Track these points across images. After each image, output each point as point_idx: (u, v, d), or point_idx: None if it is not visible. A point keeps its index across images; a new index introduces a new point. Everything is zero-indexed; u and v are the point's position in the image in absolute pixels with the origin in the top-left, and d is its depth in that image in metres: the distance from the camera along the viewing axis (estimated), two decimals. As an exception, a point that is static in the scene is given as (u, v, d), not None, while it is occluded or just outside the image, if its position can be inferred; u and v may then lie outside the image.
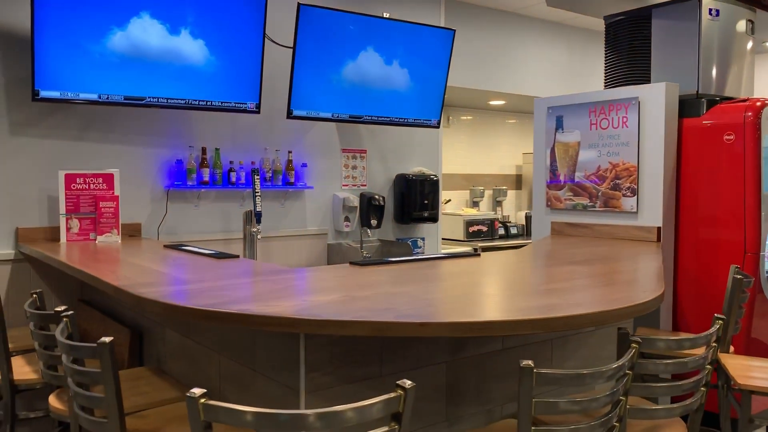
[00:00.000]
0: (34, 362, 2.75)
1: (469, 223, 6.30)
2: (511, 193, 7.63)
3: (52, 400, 2.31)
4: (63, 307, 2.04)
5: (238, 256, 2.78)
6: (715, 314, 2.07)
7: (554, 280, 2.22)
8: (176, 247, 3.16)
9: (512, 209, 7.64)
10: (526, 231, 6.98)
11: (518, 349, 2.28)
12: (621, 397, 1.71)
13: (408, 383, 1.34)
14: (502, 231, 6.66)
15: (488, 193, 7.30)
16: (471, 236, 6.28)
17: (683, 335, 1.98)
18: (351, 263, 2.56)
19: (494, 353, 2.22)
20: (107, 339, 1.70)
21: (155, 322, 2.68)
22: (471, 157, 7.20)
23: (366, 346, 1.91)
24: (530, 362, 1.50)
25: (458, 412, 2.14)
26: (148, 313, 2.71)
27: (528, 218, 7.03)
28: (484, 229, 6.41)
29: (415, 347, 2.03)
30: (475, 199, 7.07)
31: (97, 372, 1.73)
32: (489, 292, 2.04)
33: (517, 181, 7.74)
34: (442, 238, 5.63)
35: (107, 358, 1.70)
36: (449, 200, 6.78)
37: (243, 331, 2.02)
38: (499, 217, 6.92)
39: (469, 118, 7.12)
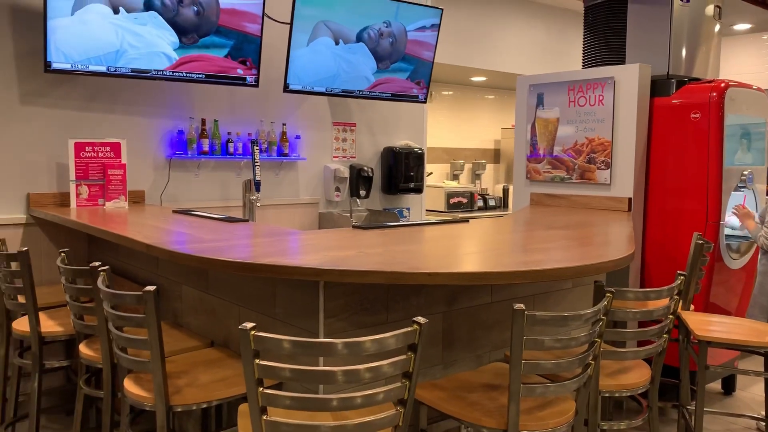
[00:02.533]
0: (55, 317, 2.97)
1: (450, 195, 6.59)
2: (490, 167, 7.92)
3: (83, 348, 2.54)
4: (98, 263, 2.26)
5: (247, 220, 3.01)
6: (678, 271, 2.37)
7: (538, 241, 2.50)
8: (185, 212, 3.37)
9: (490, 182, 7.94)
10: (503, 203, 7.30)
11: (505, 303, 2.56)
12: (596, 339, 2.00)
13: (422, 320, 1.60)
14: (480, 203, 6.96)
15: (468, 166, 7.59)
16: (451, 207, 6.58)
17: (648, 289, 2.28)
18: (354, 226, 2.81)
19: (483, 306, 2.50)
20: (151, 288, 1.93)
21: (171, 281, 2.90)
22: (452, 132, 7.45)
23: (375, 296, 2.17)
24: (522, 305, 1.77)
25: (452, 357, 2.42)
26: (179, 268, 2.94)
27: (505, 191, 7.35)
28: (464, 201, 6.71)
29: (416, 298, 2.29)
30: (455, 173, 7.35)
31: (141, 317, 1.96)
32: (482, 250, 2.31)
33: (496, 155, 8.03)
34: (426, 209, 5.90)
35: (151, 304, 1.93)
36: (431, 173, 7.04)
37: (264, 283, 2.27)
38: (478, 189, 7.22)
39: (450, 93, 7.36)
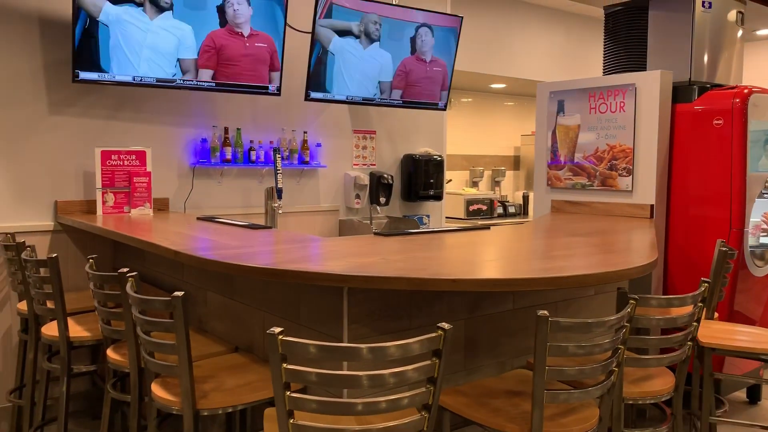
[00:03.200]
0: (82, 322, 3.02)
1: (470, 202, 6.59)
2: (509, 174, 7.91)
3: (110, 353, 2.58)
4: (126, 269, 2.31)
5: (271, 227, 3.04)
6: (702, 278, 2.36)
7: (560, 248, 2.50)
8: (209, 219, 3.42)
9: (510, 189, 7.92)
10: (523, 210, 7.28)
11: (527, 310, 2.56)
12: (619, 346, 2.00)
13: (447, 325, 1.62)
14: (500, 210, 6.95)
15: (487, 173, 7.58)
16: (471, 215, 6.57)
17: (672, 296, 2.27)
18: (375, 233, 2.83)
19: (506, 312, 2.51)
20: (179, 293, 1.97)
21: (196, 286, 2.95)
22: (471, 139, 7.46)
23: (398, 302, 2.19)
24: (546, 312, 1.78)
25: (475, 363, 2.43)
26: (204, 274, 2.98)
27: (525, 198, 7.33)
28: (484, 208, 6.70)
29: (438, 305, 2.31)
30: (474, 179, 7.35)
31: (170, 322, 2.00)
32: (504, 256, 2.32)
33: (515, 162, 8.01)
34: (445, 216, 5.91)
35: (180, 310, 1.96)
36: (450, 180, 7.04)
37: (289, 289, 2.30)
38: (498, 196, 7.21)
39: (469, 100, 7.37)
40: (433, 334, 1.61)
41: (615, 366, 2.00)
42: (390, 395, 1.58)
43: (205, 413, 2.08)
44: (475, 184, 7.34)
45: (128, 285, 2.20)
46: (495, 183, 7.60)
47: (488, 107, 7.59)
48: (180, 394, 2.07)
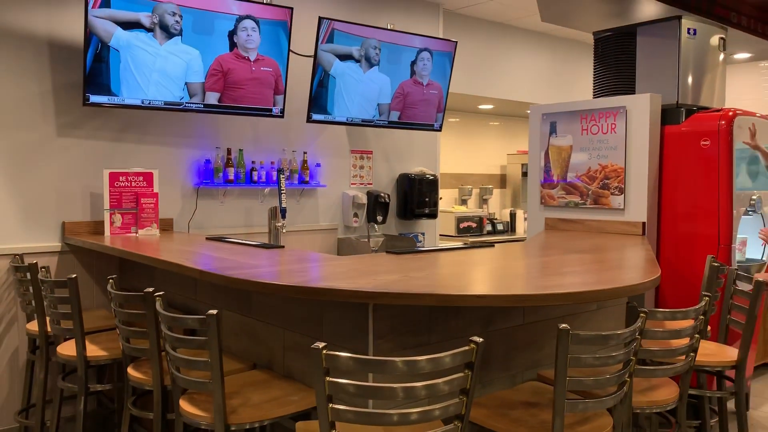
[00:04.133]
0: (96, 342, 3.06)
1: (460, 220, 6.72)
2: (496, 192, 8.07)
3: (131, 371, 2.63)
4: (152, 289, 2.37)
5: (282, 246, 3.12)
6: (703, 292, 2.50)
7: (568, 265, 2.62)
8: (218, 239, 3.48)
9: (497, 207, 8.08)
10: (510, 227, 7.44)
11: (538, 324, 2.67)
12: (631, 357, 2.11)
13: (479, 339, 1.72)
14: (489, 227, 7.10)
15: (475, 191, 7.73)
16: (462, 232, 6.70)
17: (675, 309, 2.40)
18: (387, 252, 2.93)
19: (517, 327, 2.62)
20: (213, 311, 2.04)
21: (210, 305, 3.01)
22: (459, 158, 7.61)
23: (418, 318, 2.28)
24: (567, 326, 1.89)
25: (489, 376, 2.53)
26: (219, 293, 3.04)
27: (512, 215, 7.49)
28: (474, 225, 6.83)
29: (455, 320, 2.41)
30: (463, 197, 7.49)
31: (203, 339, 2.07)
32: (518, 273, 2.43)
33: (502, 181, 8.18)
34: (439, 234, 6.02)
35: (214, 327, 2.04)
36: (441, 198, 7.17)
37: (311, 305, 2.38)
38: (486, 214, 7.35)
39: (457, 120, 7.54)
40: (466, 348, 1.70)
41: (627, 377, 2.11)
42: (422, 407, 1.67)
43: (234, 428, 2.15)
44: (464, 202, 7.48)
45: (158, 303, 2.26)
46: (483, 201, 7.75)
47: (475, 127, 7.76)
48: (210, 409, 2.13)
